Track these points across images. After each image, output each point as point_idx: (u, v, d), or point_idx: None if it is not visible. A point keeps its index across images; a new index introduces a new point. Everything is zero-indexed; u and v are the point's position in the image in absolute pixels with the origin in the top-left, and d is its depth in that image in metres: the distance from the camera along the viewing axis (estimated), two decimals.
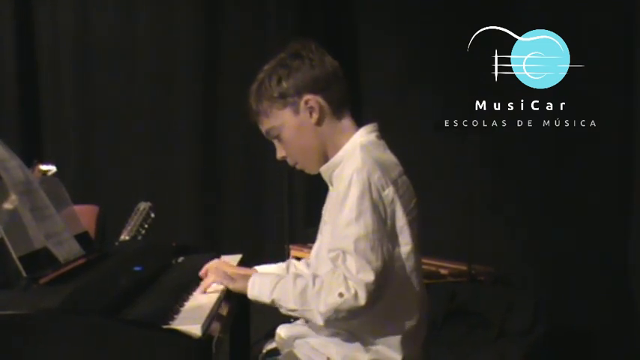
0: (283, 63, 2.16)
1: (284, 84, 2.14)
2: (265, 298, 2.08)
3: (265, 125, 2.20)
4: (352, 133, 2.17)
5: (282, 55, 2.18)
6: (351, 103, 2.20)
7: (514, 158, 4.40)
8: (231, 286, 2.17)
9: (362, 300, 1.93)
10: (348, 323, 2.06)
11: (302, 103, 2.14)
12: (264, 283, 2.10)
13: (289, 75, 2.14)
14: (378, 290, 1.96)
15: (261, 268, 2.44)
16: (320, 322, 2.00)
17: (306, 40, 2.20)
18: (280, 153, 2.24)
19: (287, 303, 2.04)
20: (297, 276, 2.08)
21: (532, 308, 3.78)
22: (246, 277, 2.15)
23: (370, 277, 1.94)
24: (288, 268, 2.44)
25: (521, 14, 4.40)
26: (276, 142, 2.23)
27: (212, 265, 2.33)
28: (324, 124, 2.16)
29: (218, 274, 2.22)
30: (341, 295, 1.94)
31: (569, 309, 4.02)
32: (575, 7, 4.14)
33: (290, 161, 2.24)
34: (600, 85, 4.06)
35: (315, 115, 2.14)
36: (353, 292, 1.93)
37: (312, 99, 2.13)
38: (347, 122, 2.18)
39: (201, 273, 2.30)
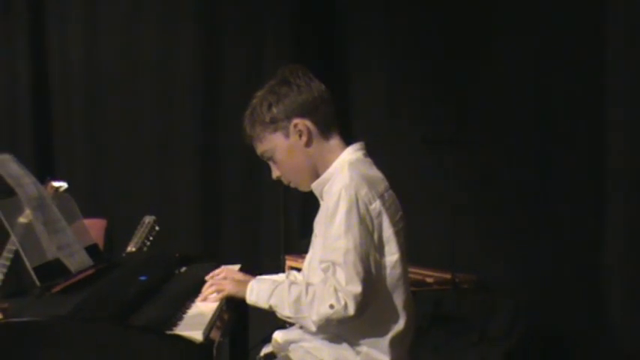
0: (273, 90, 2.18)
1: (274, 110, 2.16)
2: (263, 303, 2.11)
3: (259, 149, 2.22)
4: (341, 151, 2.18)
5: (272, 82, 2.20)
6: (339, 123, 2.22)
7: (494, 171, 4.42)
8: (233, 291, 2.19)
9: (351, 310, 1.96)
10: (339, 329, 2.07)
11: (291, 127, 2.15)
12: (262, 289, 2.12)
13: (278, 101, 2.15)
14: (366, 300, 1.98)
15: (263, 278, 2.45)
16: (313, 329, 2.03)
17: (294, 66, 2.22)
18: (275, 173, 2.25)
19: (283, 310, 2.07)
20: (292, 284, 2.10)
21: (511, 312, 3.79)
22: (246, 283, 2.17)
23: (358, 288, 1.96)
24: (287, 277, 2.45)
25: (501, 34, 4.43)
26: (270, 164, 2.25)
27: (217, 272, 2.34)
28: (313, 145, 2.17)
29: (219, 281, 2.24)
30: (332, 306, 1.97)
31: (547, 313, 4.03)
32: (554, 26, 4.16)
33: (284, 180, 2.26)
34: (575, 100, 4.08)
35: (304, 138, 2.15)
36: (343, 303, 1.96)
37: (300, 122, 2.15)
38: (335, 142, 2.20)
39: (207, 277, 2.31)
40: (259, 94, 2.20)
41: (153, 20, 5.10)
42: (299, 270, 2.50)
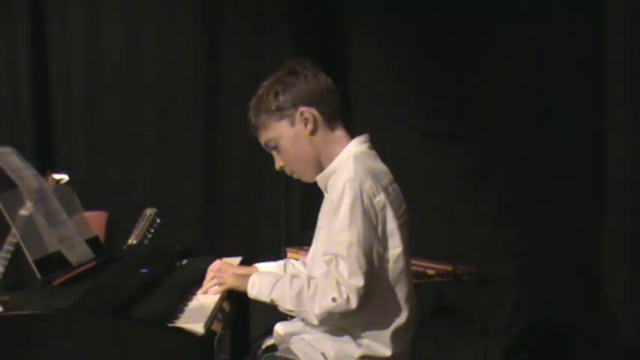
0: (280, 79, 2.18)
1: (281, 98, 2.15)
2: (264, 297, 2.10)
3: (264, 137, 2.21)
4: (345, 143, 2.18)
5: (279, 73, 2.20)
6: (344, 116, 2.21)
7: (495, 165, 4.41)
8: (234, 285, 2.18)
9: (353, 304, 1.95)
10: (340, 322, 2.07)
11: (297, 115, 2.15)
12: (264, 283, 2.11)
13: (285, 90, 2.15)
14: (367, 293, 1.97)
15: (261, 266, 2.45)
16: (315, 322, 2.03)
17: (301, 58, 2.22)
18: (278, 163, 2.24)
19: (284, 303, 2.06)
20: (293, 277, 2.09)
21: (512, 306, 3.79)
22: (247, 277, 2.16)
23: (361, 281, 1.96)
24: (285, 266, 2.45)
25: (501, 29, 4.41)
26: (274, 153, 2.24)
27: (214, 265, 2.33)
28: (318, 134, 2.16)
29: (220, 274, 2.23)
30: (334, 299, 1.96)
31: (547, 306, 4.03)
32: (551, 28, 4.16)
33: (287, 170, 2.25)
34: (575, 95, 4.08)
35: (310, 126, 2.15)
36: (345, 296, 1.95)
37: (306, 110, 2.14)
38: (340, 133, 2.19)
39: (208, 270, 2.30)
40: (265, 83, 2.20)
41: (154, 18, 5.08)
42: (297, 260, 2.49)
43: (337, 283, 1.96)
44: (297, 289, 2.03)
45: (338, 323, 2.07)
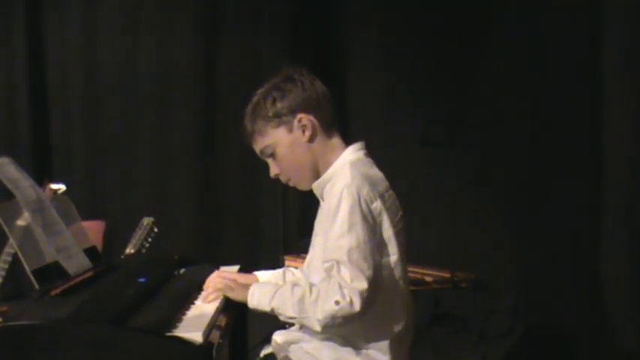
0: (277, 86, 2.19)
1: (278, 104, 2.16)
2: (265, 306, 2.10)
3: (260, 144, 2.22)
4: (341, 151, 2.19)
5: (276, 80, 2.21)
6: (339, 124, 2.23)
7: (494, 169, 4.42)
8: (232, 295, 2.19)
9: (357, 306, 1.95)
10: (342, 329, 2.06)
11: (295, 122, 2.16)
12: (264, 292, 2.12)
13: (283, 96, 2.16)
14: (370, 297, 1.97)
15: (260, 274, 2.45)
16: (318, 328, 2.01)
17: (297, 65, 2.23)
18: (274, 171, 2.24)
19: (286, 311, 2.05)
20: (294, 285, 2.09)
21: (510, 312, 3.80)
22: (246, 287, 2.17)
23: (364, 284, 1.96)
24: (284, 274, 2.46)
25: (500, 33, 4.43)
26: (269, 161, 2.24)
27: (213, 275, 2.35)
28: (315, 141, 2.18)
29: (219, 285, 2.24)
30: (337, 302, 1.95)
31: (546, 313, 4.03)
32: (551, 28, 4.17)
33: (283, 178, 2.25)
34: (575, 99, 4.09)
35: (308, 133, 2.16)
36: (348, 299, 1.95)
37: (304, 117, 2.16)
38: (336, 141, 2.21)
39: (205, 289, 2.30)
40: (261, 90, 2.21)
41: (152, 20, 5.09)
42: (296, 268, 2.50)
43: (340, 286, 1.95)
44: (298, 295, 2.03)
45: (339, 330, 2.08)
